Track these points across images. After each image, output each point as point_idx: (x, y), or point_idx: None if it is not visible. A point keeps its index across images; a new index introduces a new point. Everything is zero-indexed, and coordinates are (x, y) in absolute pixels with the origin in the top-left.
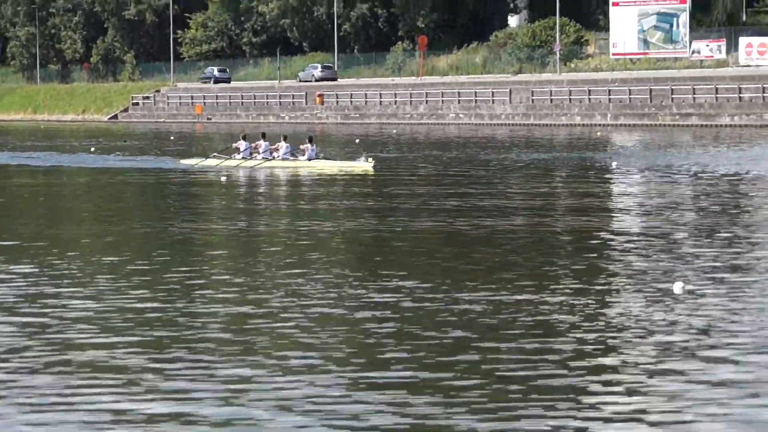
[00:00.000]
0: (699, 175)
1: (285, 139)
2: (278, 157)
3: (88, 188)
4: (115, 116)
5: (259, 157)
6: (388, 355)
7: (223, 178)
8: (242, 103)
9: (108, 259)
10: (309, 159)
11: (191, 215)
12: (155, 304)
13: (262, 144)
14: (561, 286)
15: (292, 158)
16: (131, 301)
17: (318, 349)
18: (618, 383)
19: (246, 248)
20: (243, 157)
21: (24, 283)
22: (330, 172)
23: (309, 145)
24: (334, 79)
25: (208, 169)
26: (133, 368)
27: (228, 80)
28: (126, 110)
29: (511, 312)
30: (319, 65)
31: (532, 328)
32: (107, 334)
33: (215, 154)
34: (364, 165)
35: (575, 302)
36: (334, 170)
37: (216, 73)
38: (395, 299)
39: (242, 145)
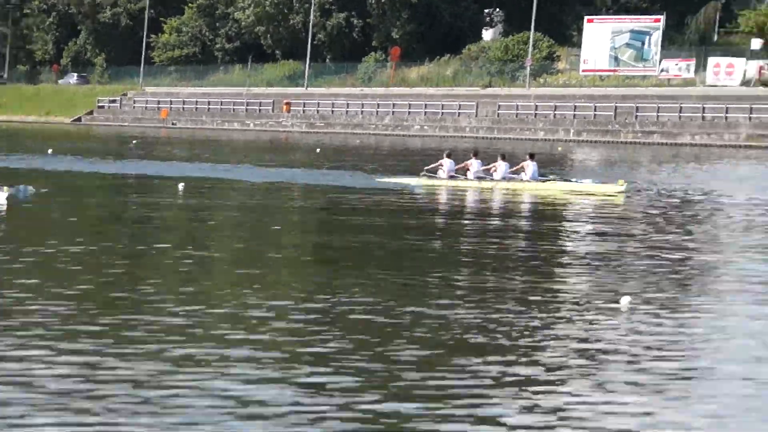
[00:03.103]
0: (646, 192)
1: (504, 158)
2: (496, 177)
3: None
4: (79, 119)
5: (471, 175)
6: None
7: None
8: (209, 109)
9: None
10: (534, 178)
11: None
12: None
13: (474, 162)
14: (508, 304)
15: (513, 178)
16: None
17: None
18: (561, 399)
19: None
20: (450, 176)
21: None
22: (565, 194)
23: (531, 161)
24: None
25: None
26: None
27: None
28: (91, 113)
29: (457, 330)
30: (75, 74)
31: (478, 345)
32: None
33: (424, 172)
34: (615, 188)
35: (522, 318)
36: (573, 192)
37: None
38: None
39: (447, 162)
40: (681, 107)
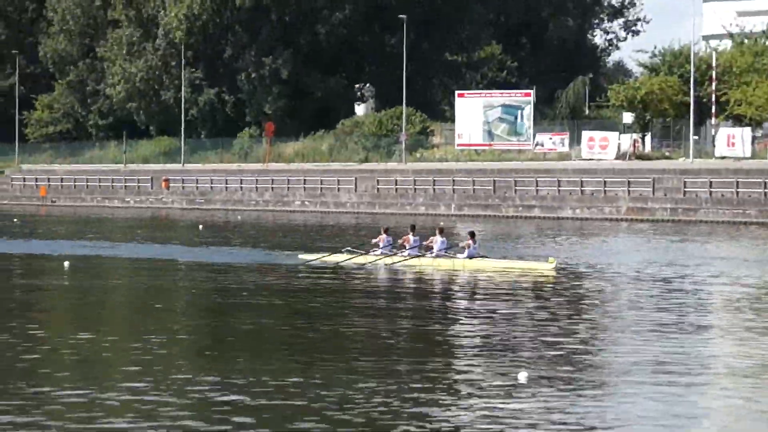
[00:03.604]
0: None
1: (441, 232)
2: (431, 254)
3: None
4: None
5: (405, 253)
6: None
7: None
8: (87, 186)
9: None
10: (470, 257)
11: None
12: None
13: (410, 238)
14: (415, 384)
15: (447, 254)
16: None
17: None
18: None
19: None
20: (383, 253)
21: None
22: (495, 271)
23: (471, 241)
24: None
25: (337, 264)
26: None
27: None
28: None
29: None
30: None
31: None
32: None
33: (348, 248)
34: (545, 265)
35: (415, 393)
36: (503, 269)
37: None
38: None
39: (383, 239)
40: (559, 181)
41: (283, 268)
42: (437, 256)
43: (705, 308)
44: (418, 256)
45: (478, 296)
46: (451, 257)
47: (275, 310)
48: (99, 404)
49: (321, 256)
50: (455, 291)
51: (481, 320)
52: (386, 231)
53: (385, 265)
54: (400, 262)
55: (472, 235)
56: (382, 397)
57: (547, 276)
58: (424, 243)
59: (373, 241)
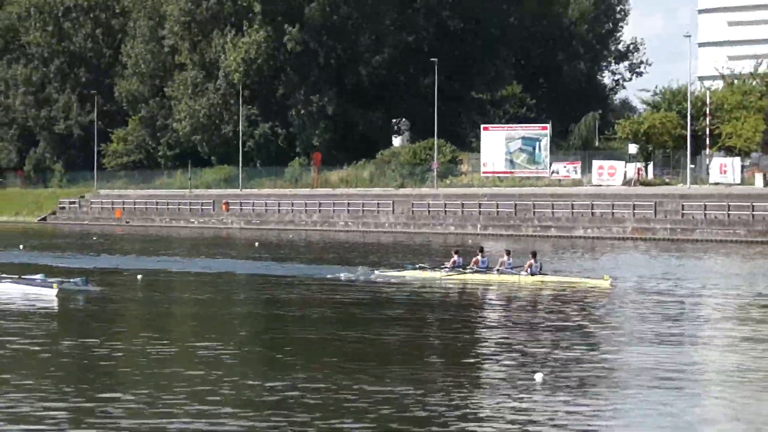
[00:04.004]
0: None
1: (508, 254)
2: (498, 272)
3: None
4: (44, 218)
5: (474, 269)
6: None
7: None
8: (157, 208)
9: None
10: (532, 274)
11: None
12: None
13: (479, 260)
14: (435, 382)
15: (512, 272)
16: None
17: None
18: None
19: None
20: (454, 270)
21: None
22: (556, 287)
23: (533, 260)
24: None
25: (407, 281)
26: None
27: None
28: (54, 213)
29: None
30: None
31: (401, 420)
32: None
33: (421, 265)
34: (601, 282)
35: (446, 394)
36: (563, 286)
37: None
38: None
39: (454, 261)
40: (572, 204)
41: (362, 283)
42: (502, 273)
43: (719, 319)
44: (484, 273)
45: (529, 309)
46: (515, 274)
47: (350, 320)
48: (163, 403)
49: (396, 272)
50: (512, 304)
51: (520, 329)
52: (457, 252)
53: (452, 278)
54: (467, 276)
55: (533, 254)
56: (418, 397)
57: (604, 292)
58: (493, 266)
59: (446, 264)
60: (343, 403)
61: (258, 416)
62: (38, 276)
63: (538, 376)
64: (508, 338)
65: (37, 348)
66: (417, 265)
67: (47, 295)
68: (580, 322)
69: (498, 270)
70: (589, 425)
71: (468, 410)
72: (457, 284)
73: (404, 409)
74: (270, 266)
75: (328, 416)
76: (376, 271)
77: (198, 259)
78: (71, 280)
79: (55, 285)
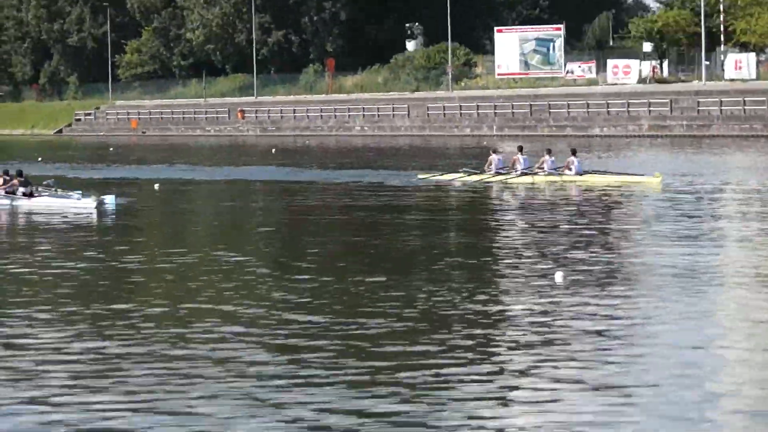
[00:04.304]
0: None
1: (549, 152)
2: (544, 172)
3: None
4: (60, 131)
5: (518, 171)
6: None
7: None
8: (173, 118)
9: None
10: (578, 173)
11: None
12: None
13: (520, 158)
14: (453, 282)
15: (556, 172)
16: None
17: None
18: (503, 369)
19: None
20: (497, 172)
21: None
22: (604, 186)
23: (574, 158)
24: None
25: (453, 183)
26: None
27: None
28: (70, 125)
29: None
30: None
31: (427, 320)
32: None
33: (464, 169)
34: (651, 179)
35: (467, 295)
36: (612, 185)
37: None
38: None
39: (494, 159)
40: (588, 104)
41: (401, 186)
42: (549, 173)
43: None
44: (528, 174)
45: (572, 209)
46: (560, 174)
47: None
48: (183, 312)
49: (438, 174)
50: (557, 205)
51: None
52: (495, 151)
53: (502, 182)
54: (512, 179)
55: (573, 152)
56: (435, 296)
57: (654, 190)
58: (536, 165)
59: (489, 166)
60: (360, 305)
61: (277, 317)
62: (75, 192)
63: (558, 276)
64: (538, 239)
65: (67, 259)
66: (461, 169)
67: (87, 208)
68: (625, 222)
69: (541, 169)
70: (609, 325)
71: (487, 309)
72: (500, 186)
73: (421, 311)
74: (299, 173)
75: (346, 317)
76: (418, 175)
77: (224, 167)
78: (103, 197)
79: (93, 198)
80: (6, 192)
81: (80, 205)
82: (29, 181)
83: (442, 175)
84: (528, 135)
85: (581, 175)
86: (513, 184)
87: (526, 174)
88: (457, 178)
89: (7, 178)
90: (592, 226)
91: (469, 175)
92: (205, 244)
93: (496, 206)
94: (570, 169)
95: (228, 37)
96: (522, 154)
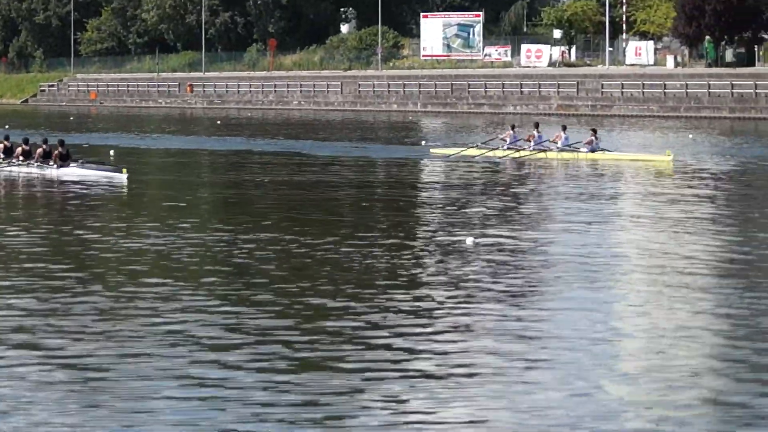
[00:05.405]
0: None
1: (564, 129)
2: (557, 147)
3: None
4: (26, 101)
5: (531, 147)
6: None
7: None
8: (128, 90)
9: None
10: (592, 150)
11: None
12: None
13: (535, 134)
14: (369, 246)
15: (571, 148)
16: None
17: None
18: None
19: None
20: (509, 147)
21: None
22: (616, 163)
23: (593, 136)
24: None
25: (469, 159)
26: None
27: None
28: (35, 96)
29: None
30: None
31: (344, 282)
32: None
33: (479, 144)
34: (663, 157)
35: (381, 258)
36: (623, 162)
37: None
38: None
39: (509, 135)
40: (503, 84)
41: (417, 162)
42: (561, 150)
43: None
44: (543, 150)
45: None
46: (575, 150)
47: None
48: (138, 280)
49: (458, 150)
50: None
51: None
52: (513, 128)
53: (514, 158)
54: (527, 156)
55: (594, 131)
56: (363, 258)
57: (669, 167)
58: (550, 139)
59: (500, 136)
60: (296, 270)
61: (220, 281)
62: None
63: (469, 240)
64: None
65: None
66: (474, 144)
67: (119, 179)
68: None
69: (557, 146)
70: (516, 287)
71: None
72: (512, 162)
73: (343, 272)
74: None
75: (283, 280)
76: (431, 150)
77: (203, 137)
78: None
79: (124, 170)
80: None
81: (114, 176)
82: (68, 153)
83: (461, 151)
84: (449, 111)
85: (594, 152)
86: (526, 159)
87: (539, 150)
88: (475, 154)
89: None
90: (524, 201)
91: (479, 149)
92: (159, 215)
93: (444, 181)
94: (586, 147)
95: (180, 18)
96: (539, 131)
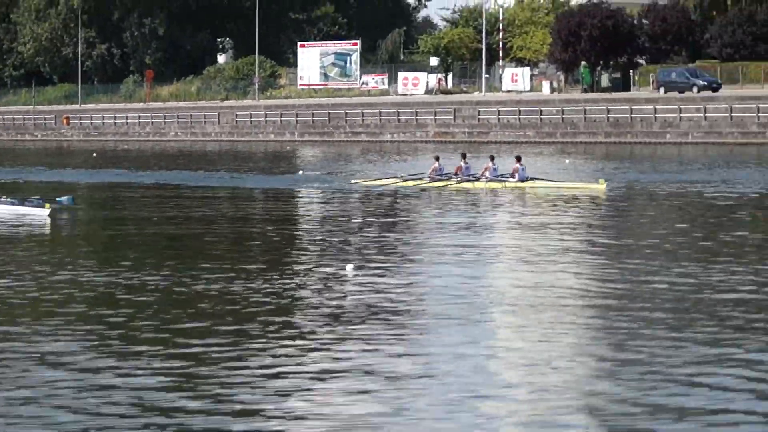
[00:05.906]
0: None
1: (492, 159)
2: (485, 179)
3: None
4: None
5: (459, 178)
6: None
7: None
8: (3, 124)
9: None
10: (521, 180)
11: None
12: None
13: (462, 165)
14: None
15: (499, 179)
16: None
17: None
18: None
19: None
20: (437, 178)
21: None
22: (548, 193)
23: (518, 165)
24: None
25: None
26: None
27: None
28: None
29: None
30: None
31: (227, 312)
32: None
33: (403, 175)
34: (596, 186)
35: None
36: (558, 192)
37: None
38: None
39: (435, 168)
40: (380, 112)
41: (335, 192)
42: (490, 180)
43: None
44: (470, 181)
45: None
46: (503, 181)
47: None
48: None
49: (375, 180)
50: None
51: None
52: (437, 159)
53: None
54: (452, 185)
55: (518, 159)
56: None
57: (599, 196)
58: (479, 172)
59: (428, 171)
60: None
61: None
62: (33, 198)
63: (349, 267)
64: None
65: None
66: (399, 174)
67: (40, 215)
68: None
69: (485, 177)
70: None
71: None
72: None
73: (220, 303)
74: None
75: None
76: (353, 181)
77: (50, 169)
78: (58, 199)
79: (47, 205)
80: None
81: (35, 213)
82: None
83: (376, 180)
84: (326, 140)
85: (523, 182)
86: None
87: (466, 181)
88: (393, 183)
89: None
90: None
91: (404, 181)
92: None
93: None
94: (514, 177)
95: (56, 50)
96: (465, 162)
